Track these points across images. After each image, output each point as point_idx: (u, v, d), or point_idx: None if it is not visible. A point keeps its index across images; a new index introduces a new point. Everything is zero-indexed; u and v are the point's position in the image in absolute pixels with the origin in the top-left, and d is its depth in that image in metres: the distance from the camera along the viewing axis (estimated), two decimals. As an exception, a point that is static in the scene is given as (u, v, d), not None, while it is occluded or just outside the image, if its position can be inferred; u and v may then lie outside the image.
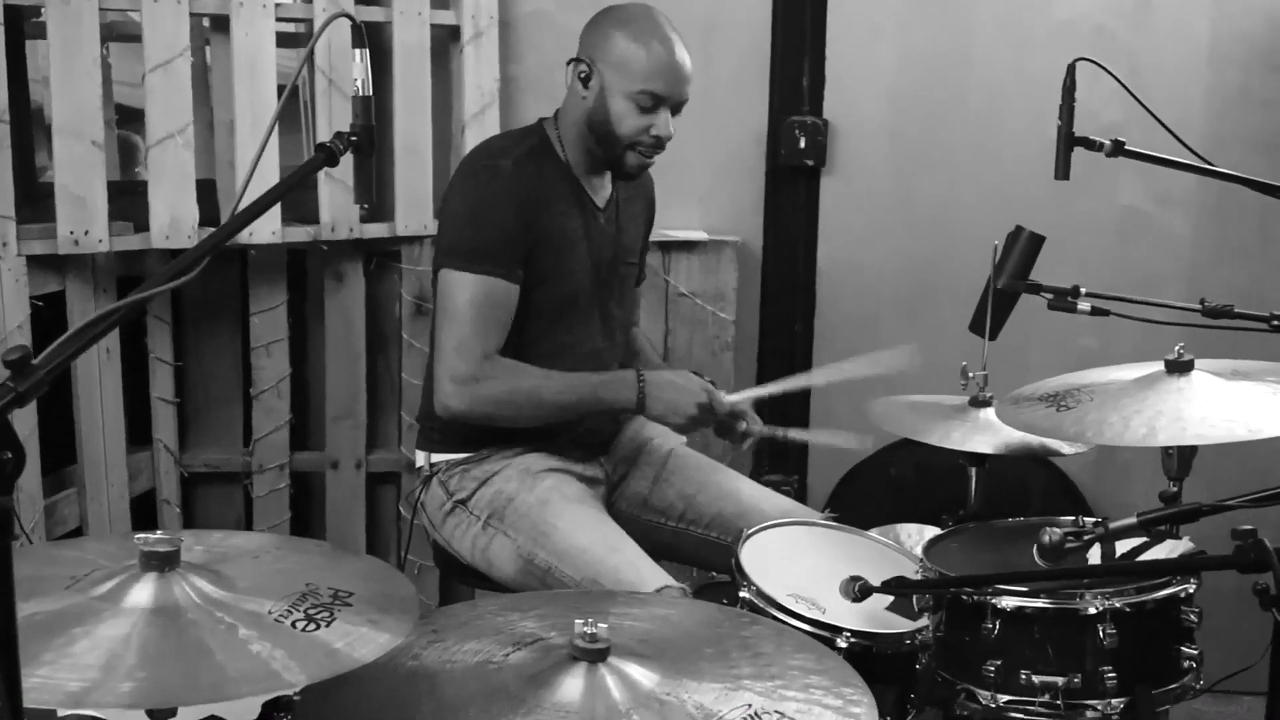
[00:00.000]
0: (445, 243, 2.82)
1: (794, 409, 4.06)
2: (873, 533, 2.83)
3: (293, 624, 1.66)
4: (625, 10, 2.82)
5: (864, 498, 3.87)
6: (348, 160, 1.93)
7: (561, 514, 2.76)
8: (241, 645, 1.60)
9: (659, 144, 2.81)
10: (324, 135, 2.89)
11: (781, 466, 3.98)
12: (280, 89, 3.44)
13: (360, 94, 1.89)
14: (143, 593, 1.66)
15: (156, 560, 1.69)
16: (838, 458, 4.00)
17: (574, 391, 2.79)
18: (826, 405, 4.06)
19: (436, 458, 2.94)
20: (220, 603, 1.68)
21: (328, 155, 1.82)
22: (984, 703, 2.28)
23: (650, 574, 2.63)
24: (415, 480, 3.02)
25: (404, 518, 3.80)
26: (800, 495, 3.90)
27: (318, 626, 1.66)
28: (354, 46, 1.89)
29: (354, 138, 1.87)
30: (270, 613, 1.68)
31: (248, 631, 1.62)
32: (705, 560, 2.95)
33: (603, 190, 2.96)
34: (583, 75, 2.80)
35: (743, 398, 2.86)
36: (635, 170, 2.87)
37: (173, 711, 1.66)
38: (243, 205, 1.74)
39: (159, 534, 1.73)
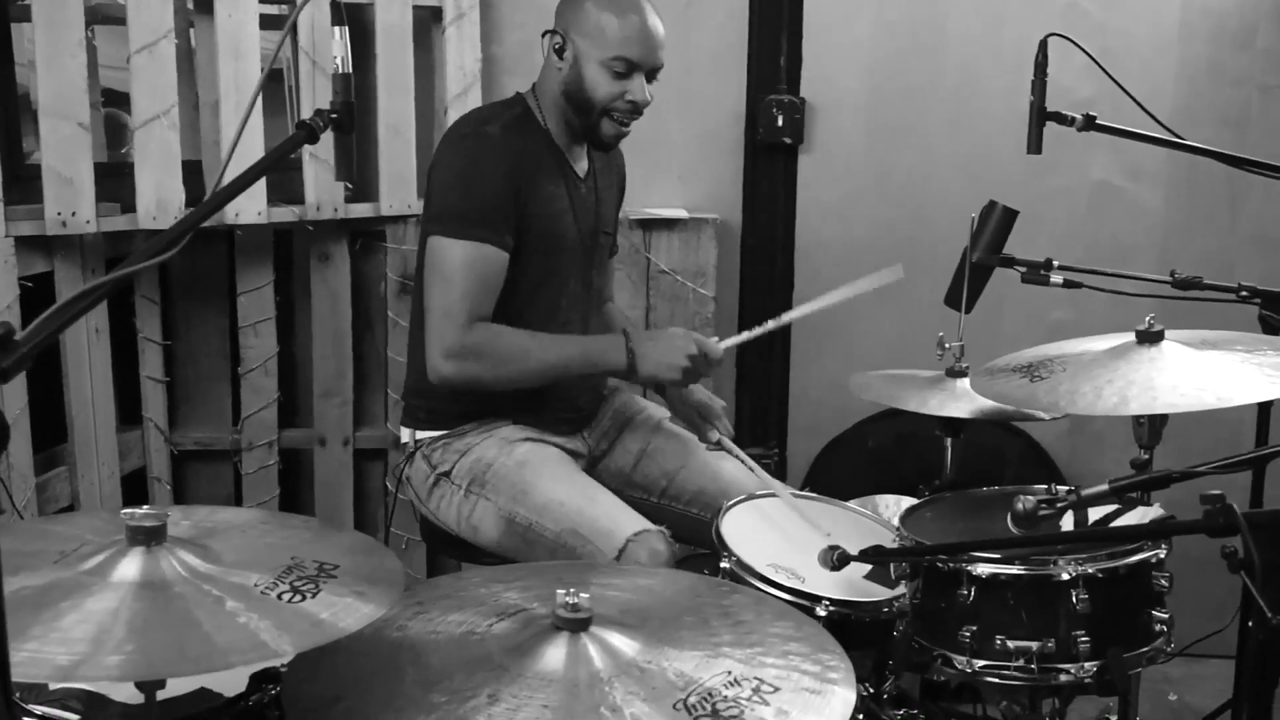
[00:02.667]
0: (434, 209, 2.83)
1: (774, 386, 4.10)
2: (852, 504, 2.87)
3: (279, 596, 1.68)
4: None
5: (843, 469, 3.91)
6: (330, 140, 1.96)
7: (539, 473, 2.82)
8: (229, 617, 1.61)
9: (635, 109, 2.85)
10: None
11: (761, 438, 4.02)
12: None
13: (340, 71, 1.91)
14: (130, 567, 1.68)
15: (143, 535, 1.70)
16: (817, 429, 4.04)
17: (563, 353, 2.81)
18: (804, 381, 4.10)
19: (421, 434, 2.98)
20: (207, 576, 1.70)
21: (308, 132, 1.84)
22: (960, 668, 2.31)
23: (627, 520, 2.68)
24: (401, 456, 3.06)
25: (391, 493, 3.84)
26: (780, 466, 3.95)
27: (303, 598, 1.68)
28: (334, 24, 1.91)
29: (334, 115, 1.88)
30: (256, 585, 1.70)
31: (235, 603, 1.64)
32: (686, 536, 2.99)
33: (581, 161, 3.00)
34: (557, 46, 2.84)
35: (733, 343, 2.89)
36: (611, 139, 2.90)
37: (161, 684, 1.68)
38: (225, 184, 1.76)
39: (145, 509, 1.74)
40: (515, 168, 2.80)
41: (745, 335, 2.90)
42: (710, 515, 2.73)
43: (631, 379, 2.87)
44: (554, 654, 1.72)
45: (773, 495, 2.82)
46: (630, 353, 2.78)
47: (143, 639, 1.56)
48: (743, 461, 2.97)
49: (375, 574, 1.79)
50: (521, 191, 2.81)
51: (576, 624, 1.75)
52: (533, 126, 2.90)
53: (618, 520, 2.68)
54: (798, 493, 2.88)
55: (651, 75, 2.85)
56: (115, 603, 1.61)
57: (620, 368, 2.80)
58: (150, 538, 1.71)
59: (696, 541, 2.88)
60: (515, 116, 2.89)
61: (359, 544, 1.93)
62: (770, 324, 2.87)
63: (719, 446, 3.01)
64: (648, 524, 2.66)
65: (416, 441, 2.99)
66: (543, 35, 2.89)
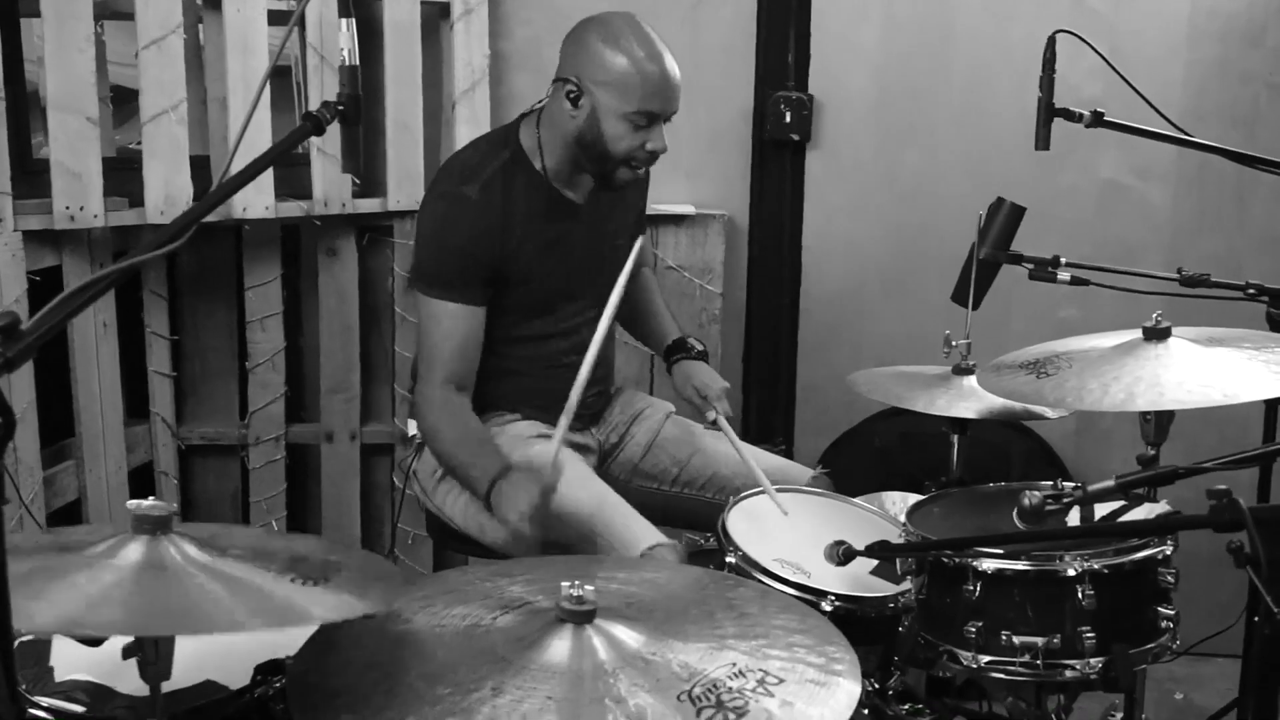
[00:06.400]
0: (414, 263, 2.92)
1: (781, 383, 4.10)
2: (858, 500, 2.87)
3: (290, 580, 1.68)
4: (608, 25, 2.75)
5: (850, 466, 3.89)
6: (337, 134, 1.95)
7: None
8: (241, 583, 1.63)
9: (653, 157, 2.81)
10: (316, 111, 2.93)
11: (768, 435, 4.02)
12: (275, 66, 3.47)
13: (347, 63, 1.90)
14: (134, 551, 1.66)
15: (149, 524, 1.69)
16: (824, 426, 4.04)
17: (456, 463, 2.79)
18: (811, 377, 4.10)
19: (429, 426, 2.97)
20: (210, 566, 1.68)
21: (314, 124, 1.83)
22: (965, 663, 2.32)
23: (642, 531, 2.67)
24: (408, 449, 3.05)
25: (398, 488, 3.84)
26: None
27: (316, 583, 1.69)
28: (340, 16, 1.90)
29: (341, 107, 1.87)
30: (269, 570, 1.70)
31: (246, 578, 1.65)
32: (702, 521, 2.98)
33: (583, 186, 2.94)
34: (571, 95, 2.74)
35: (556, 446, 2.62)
36: (625, 183, 2.86)
37: (166, 674, 1.69)
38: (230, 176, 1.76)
39: (152, 500, 1.73)
40: (487, 228, 2.78)
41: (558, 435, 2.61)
42: (725, 498, 2.73)
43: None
44: (558, 646, 1.72)
45: (778, 490, 2.81)
46: (490, 490, 2.69)
47: (148, 598, 1.57)
48: (733, 444, 2.95)
49: (378, 575, 1.80)
50: (494, 249, 2.79)
51: (581, 616, 1.74)
52: (521, 170, 2.85)
53: (633, 531, 2.67)
54: (806, 489, 2.88)
55: (668, 119, 2.79)
56: (120, 577, 1.61)
57: (481, 496, 2.73)
58: (156, 526, 1.70)
59: (714, 527, 2.86)
60: (501, 166, 2.83)
61: (363, 554, 1.93)
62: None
63: (715, 426, 3.00)
64: (662, 536, 2.65)
65: (423, 434, 2.98)
66: (554, 81, 2.80)
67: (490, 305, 2.85)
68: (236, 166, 1.81)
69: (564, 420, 2.51)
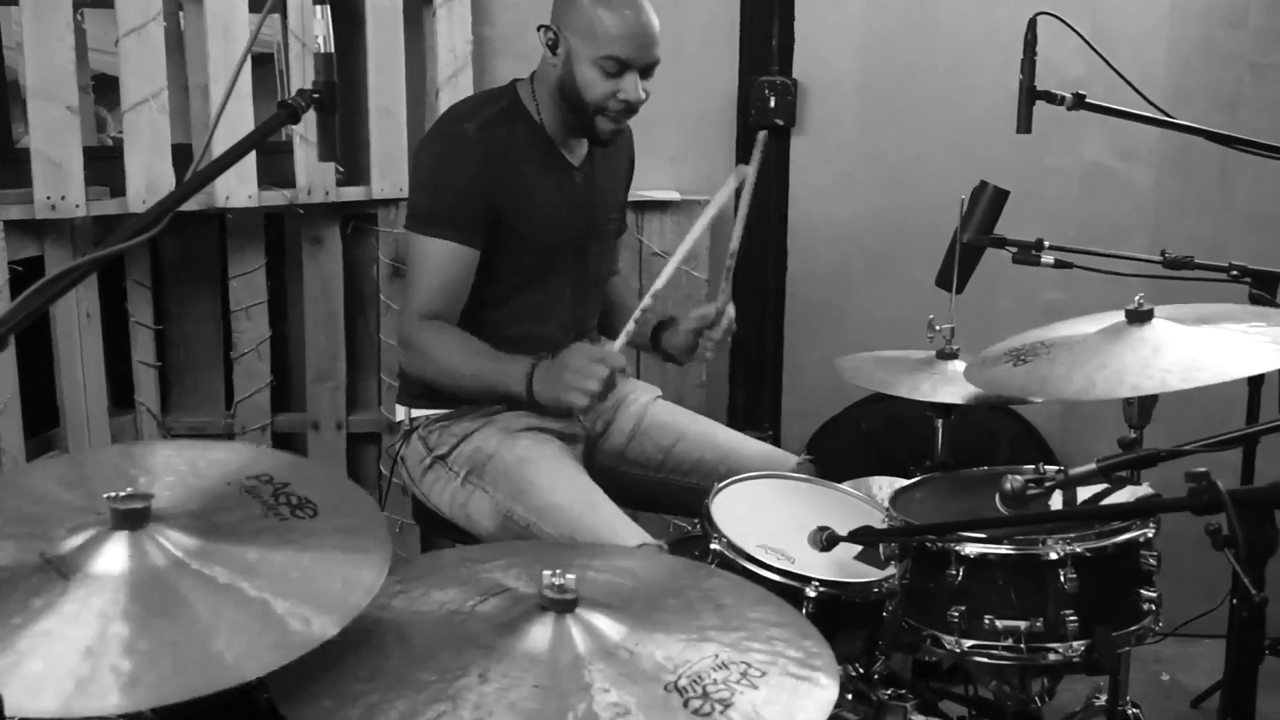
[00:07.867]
0: (409, 204, 2.88)
1: (767, 369, 4.10)
2: (844, 486, 2.86)
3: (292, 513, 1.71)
4: None
5: (836, 451, 3.90)
6: (316, 122, 1.93)
7: (540, 471, 2.79)
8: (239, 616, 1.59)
9: (629, 108, 2.80)
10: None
11: (755, 421, 4.02)
12: (258, 54, 3.46)
13: (322, 50, 1.89)
14: (118, 556, 1.63)
15: (130, 519, 1.66)
16: (810, 412, 4.04)
17: (479, 374, 2.74)
18: (797, 363, 4.10)
19: (417, 413, 2.96)
20: (204, 551, 1.66)
21: (290, 112, 1.81)
22: (949, 648, 2.32)
23: (627, 531, 2.65)
24: (395, 435, 3.05)
25: (384, 476, 3.84)
26: (774, 449, 3.95)
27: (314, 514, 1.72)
28: (315, 3, 1.88)
29: (316, 94, 1.85)
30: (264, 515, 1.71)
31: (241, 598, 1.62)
32: (687, 507, 2.98)
33: (579, 150, 2.96)
34: (550, 42, 2.79)
35: (622, 342, 2.68)
36: (608, 135, 2.85)
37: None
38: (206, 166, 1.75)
39: (129, 490, 1.70)
40: (487, 165, 2.77)
41: (625, 331, 2.68)
42: (710, 484, 2.73)
43: (534, 407, 2.74)
44: (541, 634, 1.72)
45: (762, 477, 2.80)
46: (529, 380, 2.67)
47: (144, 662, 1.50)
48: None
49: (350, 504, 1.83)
50: (497, 188, 2.78)
51: (563, 605, 1.74)
52: (520, 119, 2.87)
53: (617, 531, 2.65)
54: (790, 474, 2.88)
55: (646, 72, 2.80)
56: (104, 613, 1.55)
57: (520, 396, 2.70)
58: (137, 521, 1.66)
59: (699, 513, 2.85)
60: (500, 110, 2.86)
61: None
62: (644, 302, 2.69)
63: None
64: (647, 536, 2.64)
65: (412, 420, 2.97)
66: (537, 29, 2.84)
67: (483, 267, 2.82)
68: (216, 154, 1.80)
69: (631, 325, 2.62)
